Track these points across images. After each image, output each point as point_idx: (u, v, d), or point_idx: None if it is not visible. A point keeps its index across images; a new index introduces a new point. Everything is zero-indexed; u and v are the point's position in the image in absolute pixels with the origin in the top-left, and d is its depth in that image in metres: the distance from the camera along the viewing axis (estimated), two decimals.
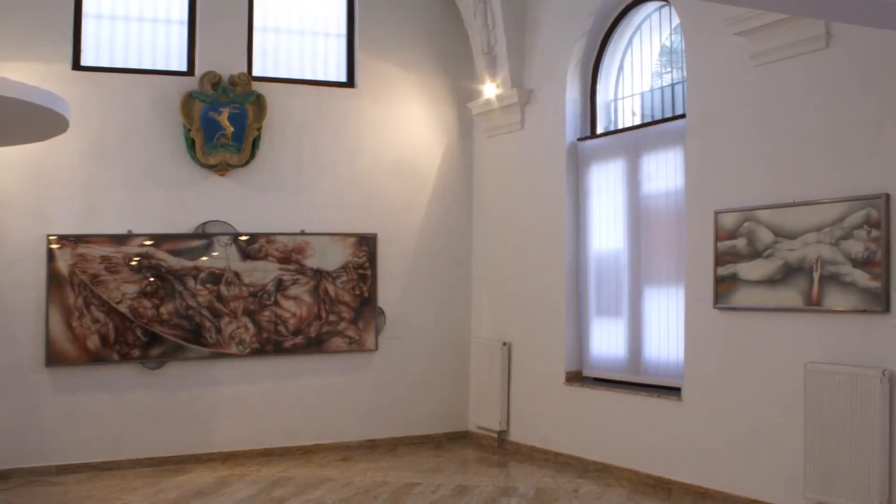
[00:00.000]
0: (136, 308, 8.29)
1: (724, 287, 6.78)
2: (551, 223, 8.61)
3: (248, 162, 8.76)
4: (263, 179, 8.88)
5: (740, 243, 6.65)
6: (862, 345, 5.87)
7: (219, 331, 8.59)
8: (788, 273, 6.30)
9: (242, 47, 8.88)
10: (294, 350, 8.91)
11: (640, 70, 8.25)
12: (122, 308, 8.25)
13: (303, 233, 8.97)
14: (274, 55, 9.16)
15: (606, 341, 8.22)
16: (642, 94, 8.23)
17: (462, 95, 9.70)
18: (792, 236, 6.28)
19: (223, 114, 8.60)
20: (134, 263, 8.31)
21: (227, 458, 8.59)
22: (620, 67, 8.48)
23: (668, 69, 8.05)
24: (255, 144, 8.77)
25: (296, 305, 8.90)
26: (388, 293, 9.35)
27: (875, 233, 5.77)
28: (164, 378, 8.45)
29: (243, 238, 8.73)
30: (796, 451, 6.17)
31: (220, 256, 8.63)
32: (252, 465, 8.35)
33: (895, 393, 5.66)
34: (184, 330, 8.46)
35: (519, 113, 9.06)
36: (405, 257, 9.49)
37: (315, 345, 8.99)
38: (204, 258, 8.57)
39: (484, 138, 9.64)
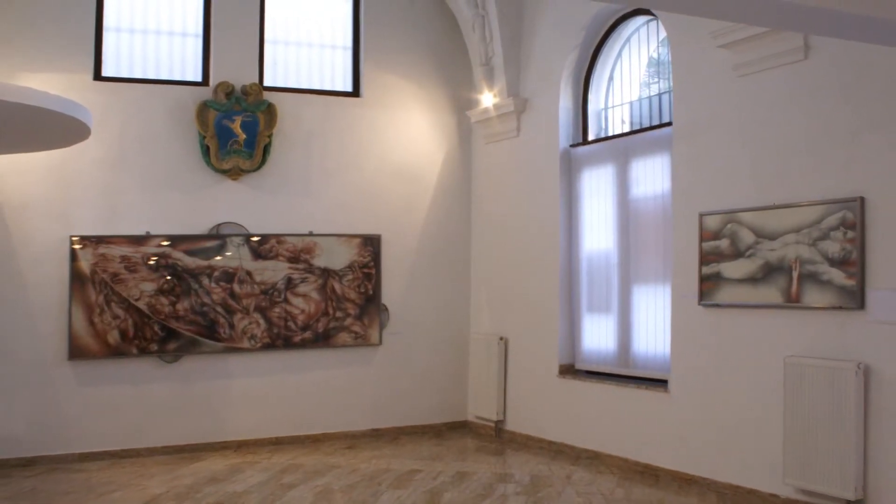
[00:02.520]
0: (154, 305, 8.29)
1: (708, 285, 6.78)
2: (545, 225, 8.61)
3: (259, 167, 8.76)
4: (274, 183, 8.87)
5: (724, 244, 6.65)
6: (838, 340, 5.87)
7: (232, 326, 8.59)
8: (769, 272, 6.30)
9: (254, 59, 8.88)
10: (303, 345, 8.90)
11: (629, 80, 8.24)
12: (141, 305, 8.25)
13: (311, 234, 8.96)
14: (284, 66, 9.16)
15: (597, 336, 8.22)
16: (631, 103, 8.22)
17: (461, 104, 9.69)
18: (772, 237, 6.28)
19: (236, 122, 8.60)
20: (152, 263, 8.30)
21: (240, 446, 8.58)
22: (610, 78, 8.47)
23: (656, 79, 8.04)
24: (266, 150, 8.77)
25: (304, 302, 8.90)
26: (392, 291, 9.34)
27: (851, 234, 5.76)
28: (181, 371, 8.45)
29: (255, 239, 8.73)
30: (776, 439, 6.17)
31: (233, 256, 8.63)
32: (263, 453, 8.34)
33: (870, 385, 5.66)
34: (199, 325, 8.46)
35: (515, 121, 9.05)
36: (408, 257, 9.48)
37: (322, 340, 8.98)
38: (218, 258, 8.57)
39: (482, 144, 9.63)
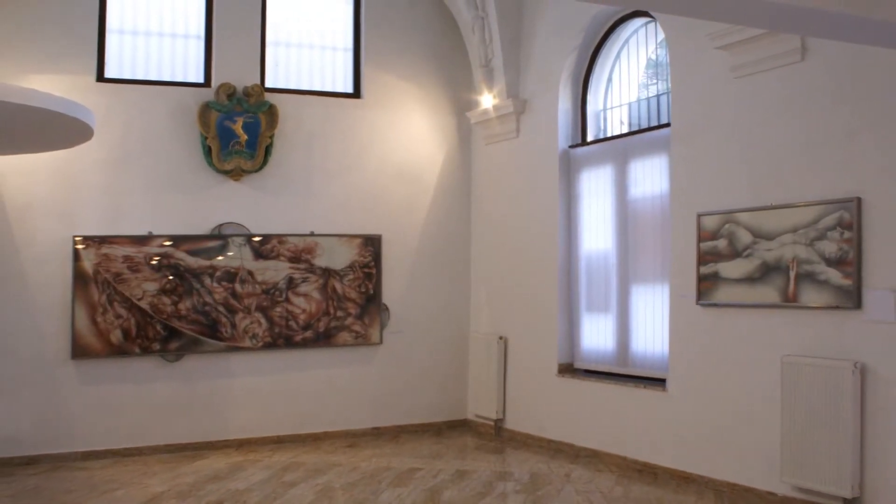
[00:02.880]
0: (157, 304, 8.30)
1: (706, 285, 6.79)
2: (545, 225, 8.62)
3: (261, 168, 8.77)
4: (275, 184, 8.88)
5: (721, 244, 6.66)
6: (835, 339, 5.87)
7: (233, 326, 8.60)
8: (766, 272, 6.30)
9: (256, 60, 8.89)
10: (304, 344, 8.91)
11: (627, 82, 8.25)
12: (143, 304, 8.26)
13: (312, 234, 8.97)
14: (285, 68, 9.17)
15: (596, 335, 8.22)
16: (630, 105, 8.23)
17: (461, 105, 9.70)
18: (770, 237, 6.28)
19: (238, 123, 8.61)
20: (154, 263, 8.31)
21: (241, 444, 8.59)
22: (609, 79, 8.48)
23: (654, 81, 8.05)
24: (267, 151, 8.78)
25: (305, 302, 8.91)
26: (392, 290, 9.35)
27: (847, 234, 5.77)
28: (183, 370, 8.46)
29: (256, 239, 8.74)
30: (774, 438, 6.17)
31: (234, 256, 8.64)
32: (264, 452, 8.35)
33: (866, 384, 5.67)
34: (201, 325, 8.47)
35: (514, 122, 9.06)
36: (408, 257, 9.49)
37: (323, 339, 8.99)
38: (220, 258, 8.58)
39: (482, 145, 9.64)
